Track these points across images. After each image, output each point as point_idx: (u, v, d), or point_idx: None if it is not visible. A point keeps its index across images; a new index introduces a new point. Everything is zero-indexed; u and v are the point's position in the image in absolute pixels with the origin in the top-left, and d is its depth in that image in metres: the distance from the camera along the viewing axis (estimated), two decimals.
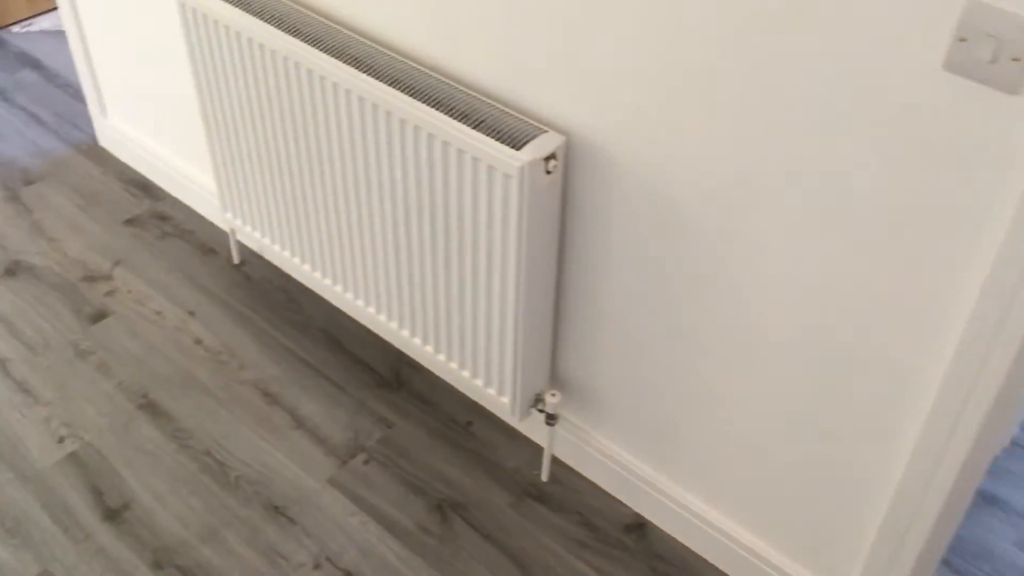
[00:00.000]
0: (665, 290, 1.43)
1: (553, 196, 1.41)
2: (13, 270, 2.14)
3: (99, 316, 2.04)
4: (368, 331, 2.03)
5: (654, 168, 1.32)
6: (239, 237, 2.05)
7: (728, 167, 1.24)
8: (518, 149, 1.35)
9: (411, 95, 1.46)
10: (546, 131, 1.38)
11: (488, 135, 1.38)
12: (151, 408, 1.86)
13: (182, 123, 2.18)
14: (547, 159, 1.36)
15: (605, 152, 1.37)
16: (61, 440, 1.79)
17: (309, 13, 1.64)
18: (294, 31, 1.59)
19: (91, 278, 2.13)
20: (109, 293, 2.09)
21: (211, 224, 2.28)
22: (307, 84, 1.59)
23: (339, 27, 1.61)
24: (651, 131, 1.29)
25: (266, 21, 1.62)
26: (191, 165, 2.26)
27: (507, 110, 1.43)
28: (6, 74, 2.78)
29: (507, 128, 1.39)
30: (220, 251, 2.21)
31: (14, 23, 3.04)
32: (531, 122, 1.40)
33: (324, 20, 1.62)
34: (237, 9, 1.64)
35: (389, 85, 1.48)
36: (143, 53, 2.14)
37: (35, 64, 2.83)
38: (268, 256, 1.95)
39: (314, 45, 1.56)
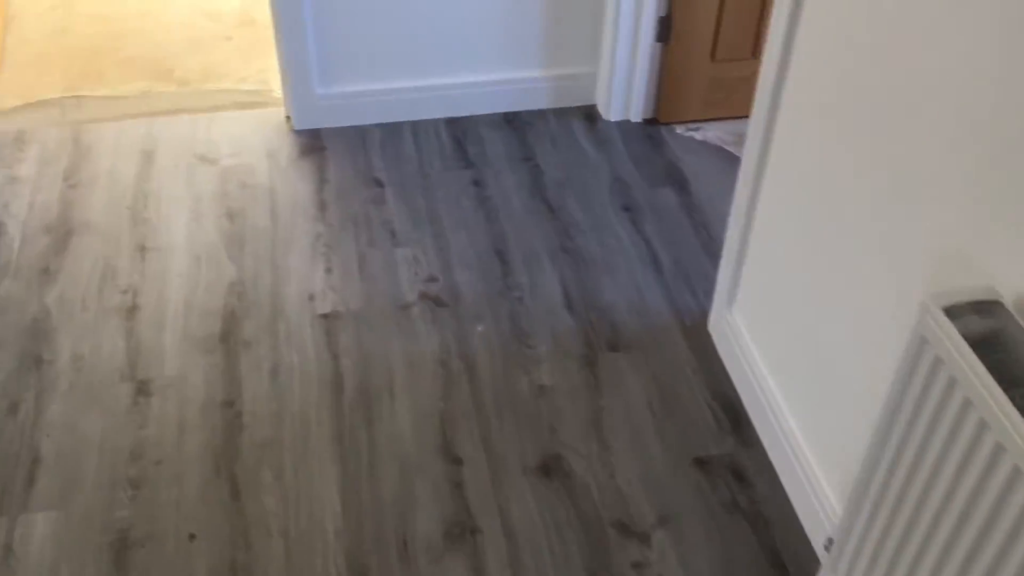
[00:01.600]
0: None
1: None
2: (549, 468, 1.74)
3: None
4: None
5: None
6: None
7: None
8: None
9: None
10: None
11: None
12: None
13: (833, 392, 1.57)
14: None
15: None
16: None
17: None
18: None
19: (625, 528, 1.65)
20: (635, 566, 1.59)
21: (796, 523, 1.65)
22: None
23: None
24: None
25: None
26: (807, 435, 1.64)
27: None
28: (647, 186, 2.41)
29: None
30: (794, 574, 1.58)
31: (681, 122, 2.67)
32: None
33: None
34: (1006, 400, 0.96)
35: None
36: (821, 282, 1.56)
37: (681, 183, 2.43)
38: None
39: None
